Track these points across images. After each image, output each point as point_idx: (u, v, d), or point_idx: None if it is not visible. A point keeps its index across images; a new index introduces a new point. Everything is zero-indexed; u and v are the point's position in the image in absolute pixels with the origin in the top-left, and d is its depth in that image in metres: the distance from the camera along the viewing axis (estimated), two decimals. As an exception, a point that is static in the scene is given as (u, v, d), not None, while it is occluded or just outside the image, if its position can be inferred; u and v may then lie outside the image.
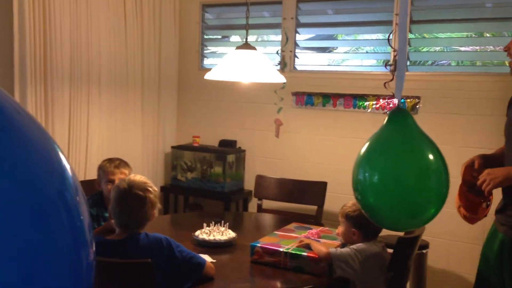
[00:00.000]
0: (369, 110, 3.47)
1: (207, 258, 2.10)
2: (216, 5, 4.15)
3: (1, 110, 0.83)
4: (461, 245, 3.18)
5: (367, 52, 4.22)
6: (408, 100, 3.32)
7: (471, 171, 2.00)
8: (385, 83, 3.41)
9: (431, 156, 1.49)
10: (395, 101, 3.40)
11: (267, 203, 3.43)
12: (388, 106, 3.39)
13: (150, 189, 1.91)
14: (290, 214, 3.23)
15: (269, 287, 2.08)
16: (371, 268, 2.03)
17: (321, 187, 3.24)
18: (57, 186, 0.87)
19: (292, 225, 2.58)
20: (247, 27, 2.65)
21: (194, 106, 4.22)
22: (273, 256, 2.15)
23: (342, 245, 2.20)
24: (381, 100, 3.42)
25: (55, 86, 3.17)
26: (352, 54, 4.45)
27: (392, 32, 3.34)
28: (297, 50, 3.81)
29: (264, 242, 2.24)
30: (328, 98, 3.62)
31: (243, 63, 2.55)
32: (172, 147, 4.05)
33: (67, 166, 0.92)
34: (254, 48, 2.60)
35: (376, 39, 3.75)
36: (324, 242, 2.24)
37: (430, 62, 3.67)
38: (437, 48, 3.68)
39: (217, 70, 2.58)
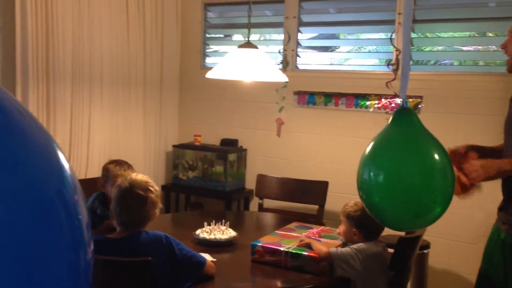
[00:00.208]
0: (371, 110, 3.47)
1: (207, 257, 2.09)
2: (218, 4, 4.15)
3: (1, 109, 0.83)
4: (462, 245, 3.17)
5: (369, 52, 4.21)
6: (411, 99, 3.31)
7: (458, 160, 1.95)
8: (387, 82, 3.40)
9: (436, 156, 1.48)
10: (398, 100, 3.40)
11: (268, 202, 3.43)
12: (390, 106, 3.38)
13: (151, 188, 1.91)
14: (291, 213, 3.23)
15: (269, 286, 2.08)
16: (371, 268, 2.03)
17: (322, 186, 3.23)
18: (56, 185, 0.87)
19: (293, 225, 2.58)
20: (249, 26, 2.65)
21: (195, 105, 4.21)
22: (273, 255, 2.15)
23: (343, 245, 2.20)
24: (383, 99, 3.41)
25: (57, 85, 3.18)
26: (354, 54, 4.44)
27: (395, 31, 3.33)
28: (299, 49, 3.81)
29: (265, 241, 2.24)
30: (330, 97, 3.61)
31: (245, 62, 2.54)
32: (174, 146, 4.05)
33: (66, 165, 0.91)
34: (256, 47, 2.59)
35: (379, 39, 3.73)
36: (325, 241, 2.24)
37: (432, 62, 3.66)
38: (440, 48, 3.66)
39: (219, 69, 2.58)
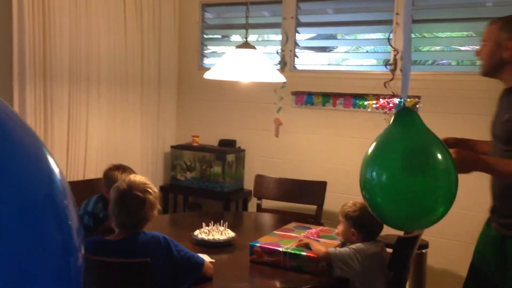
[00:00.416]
0: (369, 110, 3.47)
1: (206, 258, 2.09)
2: (216, 4, 4.14)
3: None
4: (461, 245, 3.17)
5: (367, 52, 4.21)
6: (408, 99, 3.31)
7: None
8: (385, 82, 3.43)
9: (439, 155, 1.48)
10: (395, 100, 3.41)
11: (266, 203, 3.42)
12: (388, 106, 3.38)
13: (149, 190, 1.90)
14: (289, 213, 3.23)
15: (268, 287, 2.07)
16: (370, 268, 2.03)
17: (320, 186, 3.23)
18: (45, 190, 0.85)
19: (292, 225, 2.57)
20: (247, 27, 2.65)
21: (193, 106, 4.21)
22: (272, 255, 2.15)
23: (342, 245, 2.20)
24: (381, 99, 3.41)
25: (54, 85, 3.17)
26: (352, 54, 4.44)
27: (392, 31, 3.33)
28: (297, 50, 3.81)
29: (264, 241, 2.23)
30: (328, 97, 3.61)
31: (242, 62, 2.54)
32: (172, 146, 4.05)
33: (56, 170, 0.90)
34: (253, 47, 2.59)
35: (376, 39, 3.74)
36: (324, 241, 2.24)
37: (430, 62, 3.66)
38: (437, 48, 3.67)
39: (217, 70, 2.58)
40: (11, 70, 2.97)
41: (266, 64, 2.62)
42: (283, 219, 2.95)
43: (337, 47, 4.24)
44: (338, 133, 3.60)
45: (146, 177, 2.00)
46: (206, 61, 4.24)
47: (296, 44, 3.79)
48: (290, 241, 2.24)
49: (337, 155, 3.59)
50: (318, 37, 4.08)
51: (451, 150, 1.59)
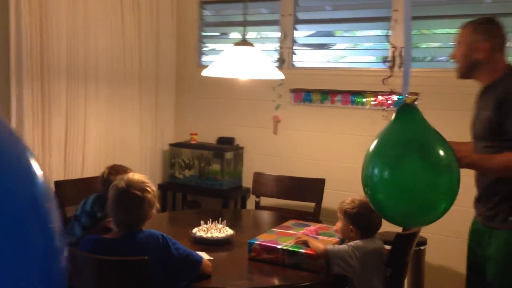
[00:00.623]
0: (367, 107, 3.47)
1: (204, 255, 2.09)
2: (214, 2, 4.14)
3: None
4: (459, 241, 3.16)
5: (365, 49, 4.21)
6: (407, 96, 3.31)
7: None
8: (383, 79, 3.43)
9: (441, 152, 1.48)
10: (394, 97, 3.41)
11: (265, 200, 3.42)
12: (386, 103, 3.38)
13: (148, 189, 1.90)
14: (288, 211, 3.22)
15: (267, 284, 2.07)
16: (368, 265, 2.03)
17: (319, 184, 3.23)
18: (27, 192, 0.85)
19: (290, 222, 2.57)
20: (245, 24, 2.64)
21: (192, 103, 4.20)
22: (270, 253, 2.15)
23: (340, 242, 2.20)
24: (379, 96, 3.41)
25: (52, 83, 3.16)
26: (350, 51, 4.44)
27: (391, 28, 3.33)
28: (295, 47, 3.80)
29: (262, 239, 2.24)
30: (326, 95, 3.61)
31: (241, 59, 2.54)
32: (170, 144, 4.04)
33: (39, 172, 0.89)
34: (251, 45, 2.59)
35: (375, 36, 3.73)
36: (322, 239, 2.24)
37: (428, 58, 3.65)
38: (436, 44, 3.66)
39: (215, 67, 2.57)
40: (8, 68, 2.96)
41: (265, 62, 2.61)
42: (281, 216, 2.95)
43: (335, 44, 4.23)
44: (336, 130, 3.60)
45: (145, 175, 1.99)
46: (205, 59, 4.23)
47: (294, 41, 3.79)
48: (288, 239, 2.24)
49: (336, 152, 3.59)
50: (317, 34, 4.08)
51: None
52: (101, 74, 3.54)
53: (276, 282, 2.08)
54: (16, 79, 2.98)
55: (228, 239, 2.42)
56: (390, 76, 3.28)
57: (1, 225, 0.77)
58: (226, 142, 3.96)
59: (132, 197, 1.85)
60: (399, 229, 2.25)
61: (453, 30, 3.50)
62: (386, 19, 3.42)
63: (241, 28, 2.70)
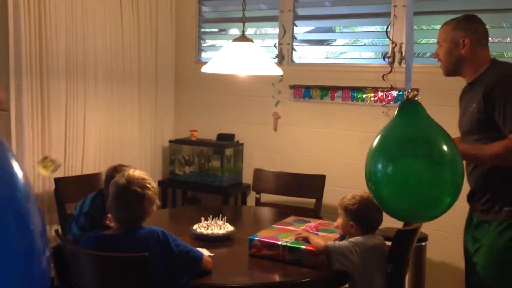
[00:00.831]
0: (367, 103, 3.46)
1: (205, 252, 2.09)
2: (213, -2, 4.13)
3: None
4: (460, 237, 3.14)
5: (365, 45, 4.20)
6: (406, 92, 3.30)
7: None
8: (383, 75, 3.42)
9: (445, 147, 1.48)
10: (394, 93, 3.40)
11: (265, 197, 3.42)
12: (386, 99, 3.37)
13: (148, 185, 1.89)
14: (288, 207, 3.23)
15: (267, 280, 2.07)
16: (369, 261, 2.03)
17: (319, 180, 3.23)
18: (6, 193, 0.84)
19: (290, 219, 2.57)
20: (244, 20, 2.63)
21: (191, 100, 4.20)
22: (271, 249, 2.15)
23: (341, 238, 2.20)
24: (379, 92, 3.40)
25: (51, 80, 3.16)
26: (350, 47, 4.43)
27: (391, 24, 3.32)
28: (294, 43, 3.79)
29: (262, 235, 2.23)
30: (326, 91, 3.60)
31: (240, 56, 2.53)
32: (170, 141, 4.04)
33: (19, 174, 0.88)
34: (251, 41, 2.58)
35: (374, 31, 3.72)
36: (323, 235, 2.24)
37: (428, 54, 3.65)
38: (436, 40, 3.65)
39: (214, 63, 2.56)
40: (7, 67, 2.96)
41: (264, 58, 2.60)
42: (282, 213, 2.95)
43: (335, 40, 4.23)
44: (336, 127, 3.59)
45: (145, 172, 1.99)
46: (204, 55, 4.22)
47: (293, 37, 3.78)
48: (289, 235, 2.24)
49: (336, 148, 3.59)
50: (316, 30, 4.07)
51: None
52: (100, 72, 3.53)
53: (276, 278, 2.08)
54: (15, 78, 2.97)
55: (228, 235, 2.42)
56: (390, 72, 3.28)
57: None
58: (226, 139, 3.96)
59: (132, 193, 1.85)
60: (400, 225, 2.25)
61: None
62: (386, 14, 3.41)
63: (240, 24, 2.68)
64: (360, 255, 2.01)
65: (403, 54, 3.32)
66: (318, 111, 3.65)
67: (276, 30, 3.84)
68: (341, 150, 3.56)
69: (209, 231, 2.40)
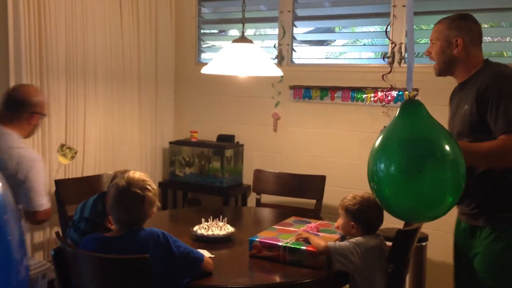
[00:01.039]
0: (367, 103, 3.46)
1: (205, 253, 2.09)
2: (213, -1, 4.13)
3: None
4: (461, 237, 3.17)
5: (364, 45, 4.20)
6: (406, 92, 3.30)
7: None
8: (383, 75, 3.42)
9: (447, 146, 1.47)
10: (393, 93, 3.40)
11: (265, 198, 3.42)
12: (386, 99, 3.37)
13: (148, 187, 1.89)
14: (289, 208, 3.23)
15: (268, 281, 2.07)
16: (370, 261, 2.02)
17: (319, 180, 3.23)
18: None
19: (291, 219, 2.57)
20: (243, 21, 2.63)
21: (191, 101, 4.20)
22: (271, 250, 2.14)
23: (342, 238, 2.20)
24: (379, 92, 3.41)
25: (51, 81, 3.16)
26: (350, 47, 4.43)
27: (390, 24, 3.32)
28: (294, 44, 3.80)
29: (263, 236, 2.23)
30: (326, 91, 3.60)
31: (240, 56, 2.53)
32: (170, 142, 4.04)
33: None
34: (250, 41, 2.58)
35: (374, 32, 3.72)
36: (323, 235, 2.24)
37: (428, 54, 3.65)
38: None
39: (214, 64, 2.56)
40: (7, 67, 2.96)
41: (264, 58, 2.60)
42: (282, 213, 2.95)
43: (334, 40, 4.23)
44: (336, 127, 3.59)
45: (145, 173, 1.99)
46: (203, 56, 4.23)
47: (293, 38, 3.78)
48: (289, 236, 2.24)
49: (336, 148, 3.59)
50: (316, 31, 4.07)
51: None
52: (100, 73, 3.53)
53: (277, 279, 2.08)
54: (15, 78, 2.97)
55: (229, 236, 2.42)
56: (389, 72, 3.28)
57: None
58: (226, 140, 3.96)
59: (132, 195, 1.85)
60: (400, 226, 2.25)
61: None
62: (385, 15, 3.41)
63: (240, 25, 2.68)
64: (360, 256, 2.01)
65: (403, 54, 3.33)
66: (318, 112, 3.65)
67: (276, 31, 3.84)
68: (341, 151, 3.56)
69: (210, 232, 2.40)
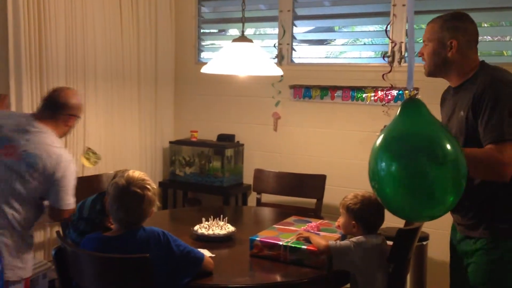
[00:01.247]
0: (367, 102, 3.46)
1: (206, 252, 2.09)
2: (212, -2, 4.13)
3: None
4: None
5: (364, 44, 4.20)
6: (407, 91, 3.30)
7: None
8: (383, 74, 3.42)
9: (448, 146, 1.47)
10: (393, 92, 3.40)
11: (266, 197, 3.42)
12: (386, 98, 3.37)
13: (148, 186, 1.89)
14: (289, 207, 3.22)
15: (268, 280, 2.07)
16: (370, 261, 2.02)
17: (320, 180, 3.23)
18: None
19: (291, 219, 2.57)
20: (243, 20, 2.63)
21: (191, 101, 4.20)
22: (272, 249, 2.14)
23: (342, 237, 2.20)
24: (379, 92, 3.40)
25: (50, 81, 3.16)
26: (350, 46, 4.43)
27: (390, 23, 3.32)
28: (294, 43, 3.79)
29: (264, 236, 2.23)
30: (326, 90, 3.60)
31: (240, 56, 2.53)
32: (170, 142, 4.04)
33: None
34: (250, 41, 2.58)
35: (374, 31, 3.72)
36: (324, 235, 2.23)
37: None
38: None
39: (214, 64, 2.56)
40: (7, 67, 2.96)
41: (264, 58, 2.60)
42: (282, 213, 2.95)
43: (334, 39, 4.23)
44: (336, 126, 3.59)
45: (145, 173, 1.99)
46: (203, 56, 4.23)
47: (293, 37, 3.78)
48: (290, 235, 2.24)
49: (336, 148, 3.59)
50: (316, 30, 4.07)
51: None
52: (100, 72, 3.53)
53: (278, 278, 2.08)
54: (15, 78, 2.98)
55: (229, 236, 2.42)
56: (389, 71, 3.28)
57: None
58: (226, 139, 3.96)
59: (132, 194, 1.85)
60: (401, 225, 2.25)
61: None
62: (385, 14, 3.41)
63: (240, 24, 2.68)
64: (361, 255, 2.01)
65: (403, 53, 3.32)
66: (318, 111, 3.65)
67: (276, 30, 3.84)
68: (341, 150, 3.56)
69: (210, 232, 2.40)
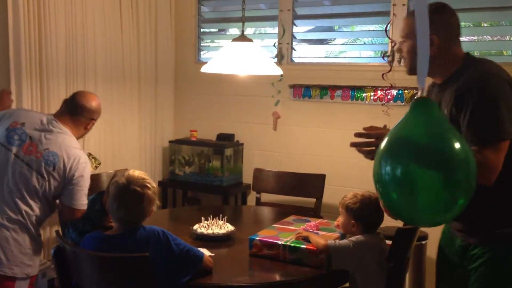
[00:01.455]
0: (367, 102, 3.46)
1: (205, 252, 2.09)
2: (212, -2, 4.13)
3: None
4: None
5: (364, 44, 4.20)
6: (406, 91, 3.31)
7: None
8: (383, 74, 3.42)
9: (457, 147, 1.39)
10: (393, 92, 3.40)
11: (265, 196, 3.42)
12: (386, 98, 3.37)
13: (148, 185, 1.89)
14: (288, 207, 3.23)
15: (268, 280, 2.07)
16: (369, 260, 2.03)
17: (319, 179, 3.23)
18: None
19: (291, 218, 2.57)
20: (243, 20, 2.64)
21: (191, 100, 4.20)
22: (271, 249, 2.15)
23: (342, 236, 2.20)
24: (379, 91, 3.41)
25: (51, 81, 3.16)
26: (350, 46, 4.43)
27: (390, 22, 3.32)
28: (294, 42, 3.79)
29: (263, 235, 2.23)
30: (325, 90, 3.60)
31: (239, 55, 2.53)
32: (170, 141, 4.04)
33: None
34: (250, 40, 2.58)
35: (374, 30, 3.72)
36: (323, 234, 2.24)
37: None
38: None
39: (214, 63, 2.57)
40: (7, 67, 2.96)
41: (263, 57, 2.61)
42: (282, 212, 2.95)
43: (334, 39, 4.23)
44: (336, 126, 3.59)
45: (145, 172, 1.99)
46: (203, 55, 4.23)
47: (293, 37, 3.78)
48: (289, 234, 2.24)
49: (336, 147, 3.59)
50: (315, 30, 4.07)
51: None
52: (100, 72, 3.53)
53: (277, 278, 2.08)
54: (15, 78, 2.98)
55: (229, 235, 2.42)
56: (389, 71, 3.28)
57: None
58: (226, 139, 3.96)
59: (132, 193, 1.85)
60: (400, 224, 2.25)
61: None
62: (385, 13, 3.41)
63: (240, 24, 2.68)
64: (360, 254, 2.01)
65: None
66: (318, 111, 3.66)
67: (276, 30, 3.84)
68: (340, 150, 3.56)
69: (210, 231, 2.40)
